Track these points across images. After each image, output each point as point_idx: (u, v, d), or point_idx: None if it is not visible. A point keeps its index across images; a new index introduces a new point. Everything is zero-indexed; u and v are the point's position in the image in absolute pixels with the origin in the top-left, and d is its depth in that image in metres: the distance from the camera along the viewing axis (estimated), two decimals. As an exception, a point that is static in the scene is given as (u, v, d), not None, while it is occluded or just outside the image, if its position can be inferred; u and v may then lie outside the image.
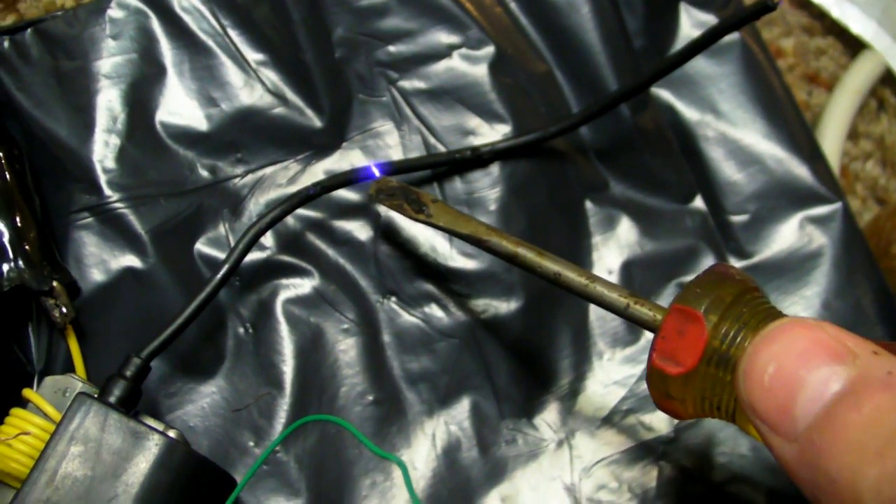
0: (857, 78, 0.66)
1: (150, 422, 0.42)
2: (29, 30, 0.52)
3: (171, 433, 0.42)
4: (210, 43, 0.53)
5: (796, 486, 0.30)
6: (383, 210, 0.52)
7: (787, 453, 0.30)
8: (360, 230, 0.52)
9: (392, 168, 0.51)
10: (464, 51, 0.55)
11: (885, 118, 0.68)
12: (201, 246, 0.50)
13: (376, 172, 0.50)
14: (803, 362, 0.30)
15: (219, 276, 0.45)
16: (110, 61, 0.52)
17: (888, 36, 0.67)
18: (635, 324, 0.40)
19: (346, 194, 0.52)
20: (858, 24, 0.67)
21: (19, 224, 0.47)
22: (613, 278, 0.53)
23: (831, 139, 0.64)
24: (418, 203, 0.47)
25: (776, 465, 0.47)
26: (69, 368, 0.47)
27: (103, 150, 0.50)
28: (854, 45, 0.68)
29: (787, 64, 0.67)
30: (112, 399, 0.42)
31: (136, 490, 0.40)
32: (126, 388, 0.43)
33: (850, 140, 0.66)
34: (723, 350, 0.34)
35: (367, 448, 0.48)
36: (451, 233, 0.46)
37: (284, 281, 0.50)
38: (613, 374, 0.52)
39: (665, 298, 0.53)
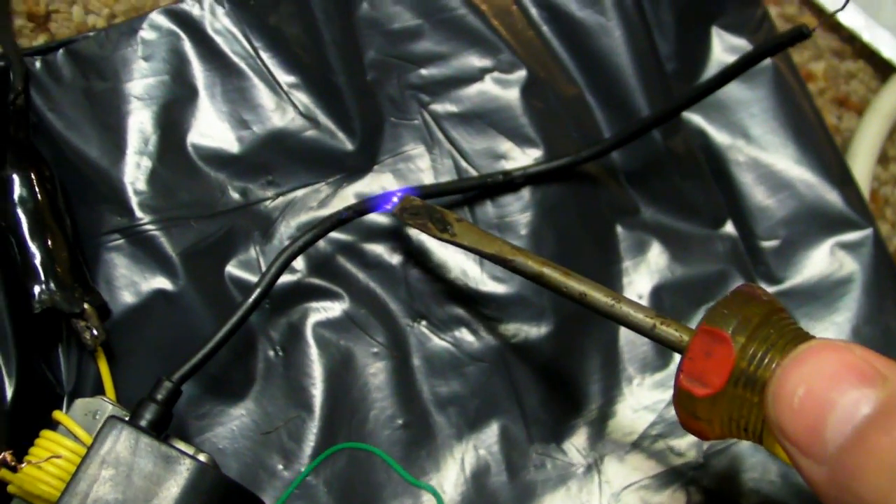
0: (888, 102, 0.66)
1: (181, 445, 0.42)
2: (61, 50, 0.52)
3: (202, 457, 0.42)
4: (242, 65, 0.53)
5: None
6: (414, 234, 0.52)
7: (817, 475, 0.30)
8: (390, 254, 0.52)
9: (423, 192, 0.51)
10: (496, 74, 0.55)
11: (915, 142, 0.68)
12: (232, 268, 0.50)
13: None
14: (833, 384, 0.30)
15: (250, 300, 0.45)
16: (142, 83, 0.52)
17: (918, 59, 0.67)
18: (662, 344, 0.40)
19: (377, 218, 0.52)
20: (889, 48, 0.67)
21: (51, 246, 0.47)
22: (643, 303, 0.53)
23: (861, 163, 0.63)
24: (443, 222, 0.47)
25: (805, 491, 0.47)
26: (99, 390, 0.47)
27: (135, 172, 0.51)
28: (884, 69, 0.68)
29: (817, 88, 0.67)
30: (143, 422, 0.42)
31: (167, 514, 0.40)
32: (157, 412, 0.43)
33: (880, 164, 0.66)
34: (750, 371, 0.34)
35: (400, 475, 0.48)
36: (476, 252, 0.46)
37: (314, 304, 0.51)
38: (643, 398, 0.52)
39: (695, 323, 0.52)
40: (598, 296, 0.41)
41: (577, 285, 0.42)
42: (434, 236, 0.47)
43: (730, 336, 0.35)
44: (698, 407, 0.36)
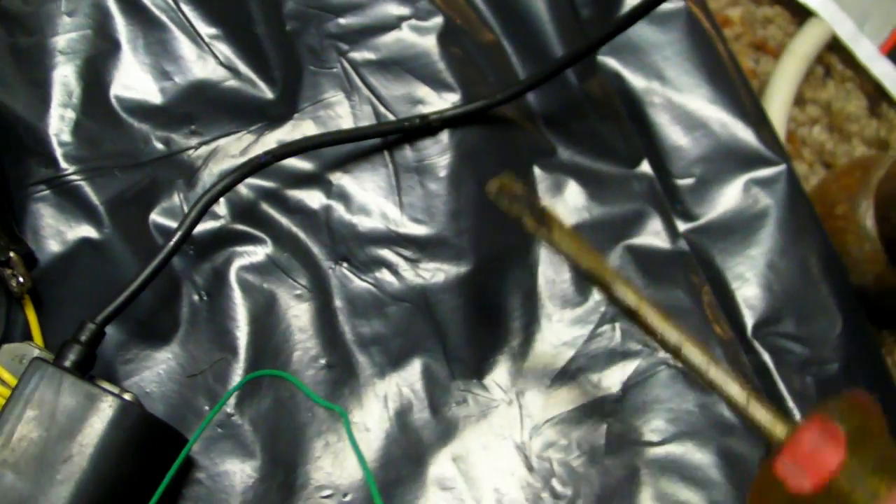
0: (804, 45, 0.67)
1: (106, 385, 0.43)
2: (-14, 7, 0.53)
3: (126, 395, 0.43)
4: (163, 18, 0.53)
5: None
6: (336, 179, 0.52)
7: None
8: (312, 199, 0.52)
9: (344, 137, 0.51)
10: (413, 22, 0.56)
11: (831, 84, 0.69)
12: (156, 216, 0.51)
13: None
14: None
15: (171, 242, 0.46)
16: (65, 37, 0.52)
17: (834, 3, 0.68)
18: (751, 424, 0.37)
19: (299, 164, 0.53)
20: (805, -8, 0.68)
21: (-24, 197, 0.48)
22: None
23: (778, 105, 0.64)
24: (542, 215, 0.44)
25: (722, 420, 0.48)
26: (27, 337, 0.48)
27: (59, 124, 0.51)
28: (801, 13, 0.69)
29: (734, 33, 0.68)
30: (67, 363, 0.43)
31: (90, 450, 0.41)
32: (81, 353, 0.43)
33: (797, 106, 0.67)
34: (846, 488, 0.32)
35: (309, 397, 0.48)
36: (570, 261, 0.43)
37: (238, 249, 0.51)
38: (562, 334, 0.52)
39: (613, 260, 0.54)
40: (694, 353, 0.38)
41: (674, 335, 0.39)
42: (527, 230, 0.44)
43: (845, 439, 0.33)
44: (783, 498, 0.34)
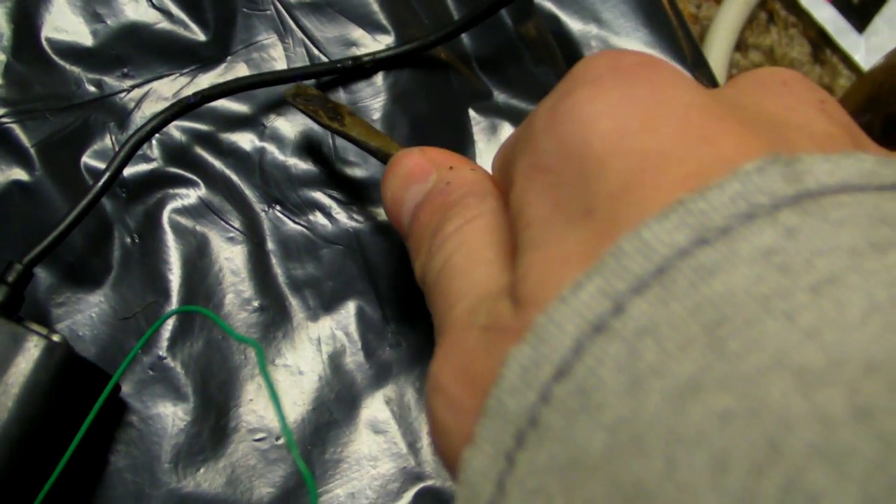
0: (746, -10, 0.67)
1: (34, 327, 0.43)
2: (-88, -51, 0.52)
3: (54, 337, 0.43)
4: (95, -41, 0.53)
5: None
6: (269, 121, 0.52)
7: (406, 246, 0.40)
8: (245, 141, 0.52)
9: (276, 78, 0.51)
10: (347, -37, 0.55)
11: (774, 30, 0.69)
12: (88, 159, 0.51)
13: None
14: (403, 185, 0.39)
15: (100, 183, 0.46)
16: (-5, -21, 0.52)
17: (777, -51, 0.68)
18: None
19: (232, 106, 0.53)
20: (749, -63, 0.68)
21: None
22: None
23: (718, 49, 0.65)
24: (335, 111, 0.48)
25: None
26: (-44, 279, 0.48)
27: (-11, 67, 0.51)
28: (745, -41, 0.69)
29: (677, -23, 0.68)
30: (-7, 304, 0.43)
31: (15, 390, 0.41)
32: (6, 293, 0.43)
33: (739, 52, 0.67)
34: None
35: (225, 331, 0.49)
36: (360, 144, 0.47)
37: (170, 191, 0.51)
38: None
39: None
40: None
41: None
42: (322, 123, 0.48)
43: None
44: None
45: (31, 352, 0.42)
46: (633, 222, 0.25)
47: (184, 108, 0.49)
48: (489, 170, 0.39)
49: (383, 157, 0.46)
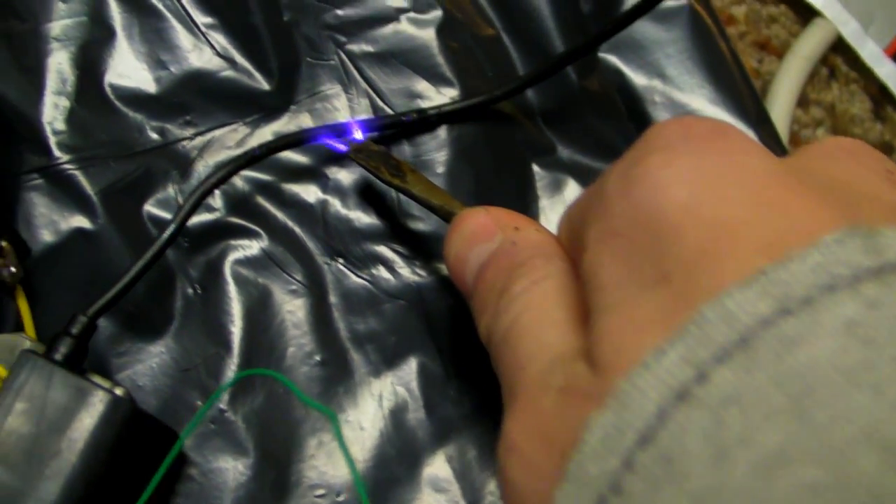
0: (808, 45, 0.66)
1: (98, 379, 0.42)
2: (-22, -8, 0.52)
3: (118, 390, 0.42)
4: (159, 6, 0.53)
5: None
6: (332, 173, 0.52)
7: (470, 304, 0.39)
8: (308, 192, 0.52)
9: (340, 131, 0.51)
10: (412, 14, 0.55)
11: (835, 86, 0.68)
12: (150, 207, 0.51)
13: (357, 134, 0.51)
14: (468, 244, 0.39)
15: (165, 235, 0.45)
16: (60, 24, 0.52)
17: (839, 3, 0.67)
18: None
19: (296, 157, 0.52)
20: (810, -9, 0.68)
21: (-33, 185, 0.47)
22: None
23: (780, 105, 0.64)
24: (396, 168, 0.48)
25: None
26: (19, 328, 0.47)
27: (53, 112, 0.51)
28: (806, 13, 0.69)
29: (738, 31, 0.68)
30: (58, 356, 0.42)
31: (80, 445, 0.40)
32: (72, 346, 0.43)
33: (800, 107, 0.66)
34: None
35: (298, 398, 0.48)
36: (422, 202, 0.46)
37: (233, 242, 0.51)
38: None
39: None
40: None
41: None
42: (384, 180, 0.48)
43: None
44: None
45: (95, 407, 0.41)
46: (711, 290, 0.25)
47: (249, 160, 0.48)
48: (553, 229, 0.39)
49: (445, 216, 0.45)
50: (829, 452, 0.21)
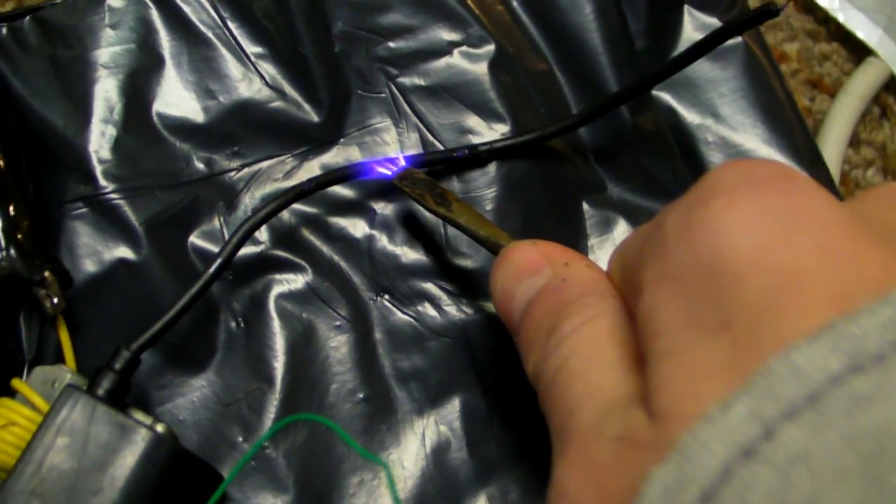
0: (861, 84, 0.66)
1: (139, 415, 0.42)
2: (28, 17, 0.52)
3: (159, 427, 0.42)
4: (209, 35, 0.53)
5: None
6: (379, 207, 0.51)
7: (517, 343, 0.39)
8: (355, 227, 0.52)
9: (389, 165, 0.50)
10: (464, 48, 0.55)
11: (887, 126, 0.67)
12: (195, 239, 0.50)
13: (401, 161, 0.51)
14: (515, 279, 0.39)
15: (211, 269, 0.45)
16: (108, 51, 0.52)
17: (893, 42, 0.67)
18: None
19: (343, 190, 0.52)
20: (864, 30, 0.67)
21: (12, 213, 0.47)
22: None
23: (832, 146, 0.63)
24: (442, 197, 0.47)
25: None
26: (60, 359, 0.47)
27: (99, 141, 0.51)
28: (859, 51, 0.68)
29: (790, 69, 0.67)
30: (100, 392, 0.42)
31: (121, 483, 0.40)
32: (115, 381, 0.42)
33: (851, 147, 0.66)
34: None
35: (352, 448, 0.47)
36: (468, 232, 0.46)
37: (278, 276, 0.50)
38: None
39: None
40: None
41: None
42: (429, 208, 0.47)
43: None
44: None
45: (137, 444, 0.41)
46: (776, 341, 0.24)
47: (298, 195, 0.48)
48: (603, 266, 0.39)
49: (492, 247, 0.44)
50: None
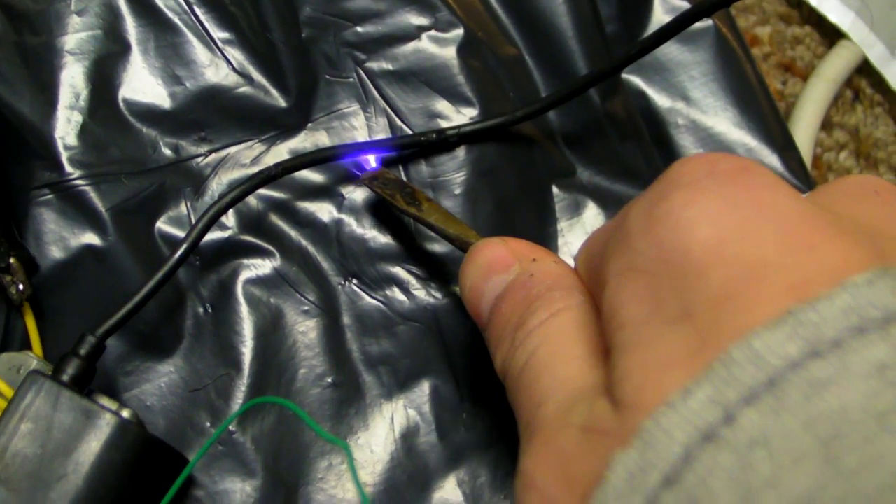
0: (833, 67, 0.66)
1: (105, 401, 0.42)
2: (-7, 4, 0.52)
3: (125, 413, 0.42)
4: (176, 20, 0.52)
5: None
6: (347, 192, 0.51)
7: (485, 336, 0.39)
8: (323, 212, 0.51)
9: (357, 149, 0.50)
10: (433, 33, 0.54)
11: (859, 109, 0.68)
12: (162, 225, 0.50)
13: (372, 160, 0.51)
14: (484, 276, 0.39)
15: (177, 254, 0.45)
16: (75, 37, 0.52)
17: (865, 26, 0.67)
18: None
19: (311, 175, 0.52)
20: (836, 13, 0.67)
21: (-24, 200, 0.47)
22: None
23: (804, 129, 0.63)
24: (412, 196, 0.48)
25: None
26: (26, 346, 0.47)
27: (65, 127, 0.50)
28: (831, 35, 0.68)
29: (762, 52, 0.67)
30: (65, 377, 0.42)
31: (86, 469, 0.40)
32: (79, 367, 0.42)
33: (824, 130, 0.66)
34: None
35: (313, 430, 0.47)
36: (438, 231, 0.46)
37: (245, 261, 0.50)
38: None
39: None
40: None
41: None
42: (399, 208, 0.47)
43: None
44: None
45: (102, 429, 0.41)
46: (737, 330, 0.24)
47: (265, 179, 0.48)
48: (572, 251, 0.39)
49: (461, 245, 0.45)
50: (857, 498, 0.21)
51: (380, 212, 0.51)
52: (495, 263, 0.39)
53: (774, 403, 0.23)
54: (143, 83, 0.52)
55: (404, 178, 0.52)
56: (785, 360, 0.23)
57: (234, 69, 0.52)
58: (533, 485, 0.30)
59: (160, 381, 0.48)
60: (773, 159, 0.56)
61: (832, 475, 0.21)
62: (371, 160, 0.50)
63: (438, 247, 0.51)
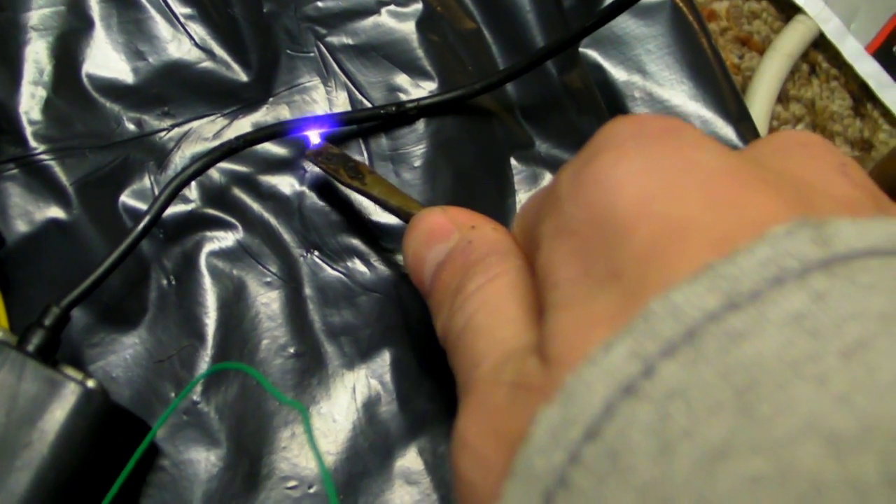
0: (789, 42, 0.66)
1: (70, 371, 0.42)
2: (-44, -20, 0.52)
3: (90, 382, 0.42)
4: (138, -4, 0.53)
5: None
6: (309, 165, 0.52)
7: (428, 304, 0.40)
8: (285, 185, 0.52)
9: (317, 122, 0.51)
10: (392, 7, 0.55)
11: (816, 82, 0.68)
12: (126, 198, 0.51)
13: (314, 137, 0.51)
14: (425, 244, 0.40)
15: (140, 226, 0.45)
16: (38, 13, 0.52)
17: (821, 1, 0.67)
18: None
19: (273, 149, 0.52)
20: (792, -12, 0.68)
21: (-59, 174, 0.47)
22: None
23: (760, 101, 0.64)
24: (355, 170, 0.49)
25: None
26: (-8, 318, 0.47)
27: (29, 102, 0.50)
28: (787, 9, 0.69)
29: (719, 27, 0.68)
30: (30, 348, 0.42)
31: (51, 437, 0.40)
32: (44, 337, 0.43)
33: (780, 103, 0.66)
34: None
35: (270, 392, 0.48)
36: (382, 203, 0.47)
37: (208, 234, 0.51)
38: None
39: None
40: None
41: None
42: (343, 182, 0.48)
43: None
44: None
45: (67, 398, 0.41)
46: (661, 286, 0.25)
47: (227, 151, 0.48)
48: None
49: (404, 216, 0.46)
50: (771, 445, 0.21)
51: (342, 186, 0.52)
52: (435, 232, 0.40)
53: (692, 355, 0.23)
54: (106, 58, 0.52)
55: (364, 152, 0.52)
56: (703, 312, 0.24)
57: (197, 44, 0.53)
58: (466, 443, 0.30)
59: (125, 352, 0.49)
60: (728, 131, 0.57)
61: (746, 423, 0.22)
62: (313, 136, 0.51)
63: (397, 219, 0.51)
